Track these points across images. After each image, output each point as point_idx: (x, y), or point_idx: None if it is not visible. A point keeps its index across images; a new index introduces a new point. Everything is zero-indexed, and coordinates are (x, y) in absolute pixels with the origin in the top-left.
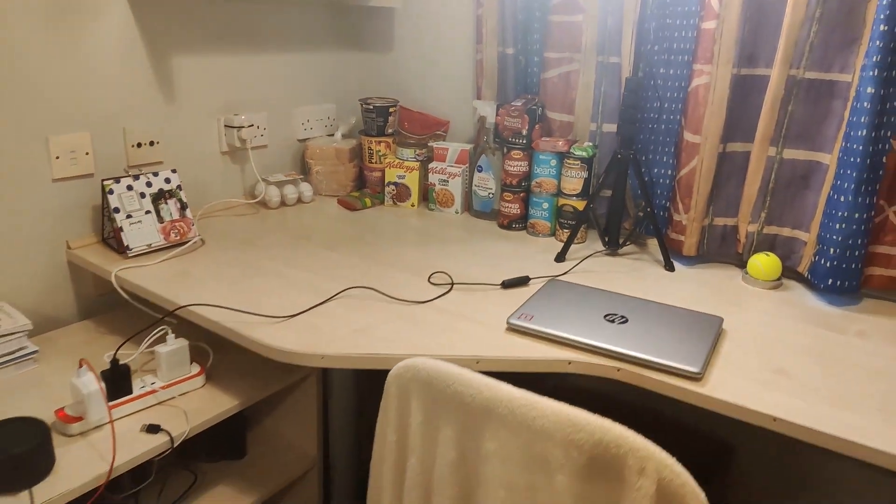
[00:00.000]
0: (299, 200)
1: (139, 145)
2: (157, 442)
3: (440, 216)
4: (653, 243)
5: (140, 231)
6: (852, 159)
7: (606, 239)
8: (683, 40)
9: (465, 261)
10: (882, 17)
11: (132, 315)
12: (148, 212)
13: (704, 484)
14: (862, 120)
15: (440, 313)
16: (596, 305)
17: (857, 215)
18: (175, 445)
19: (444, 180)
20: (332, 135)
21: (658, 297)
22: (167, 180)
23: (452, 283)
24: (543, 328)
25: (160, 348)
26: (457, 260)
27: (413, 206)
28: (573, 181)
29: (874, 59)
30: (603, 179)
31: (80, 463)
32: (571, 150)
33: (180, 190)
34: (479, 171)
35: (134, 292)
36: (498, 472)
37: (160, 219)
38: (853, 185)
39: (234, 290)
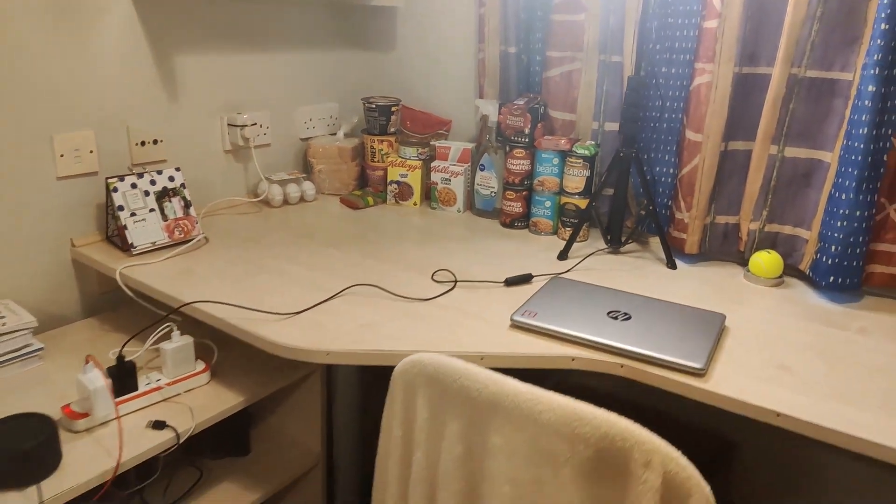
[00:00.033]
0: (302, 199)
1: (143, 144)
2: (163, 438)
3: (442, 215)
4: (655, 241)
5: (144, 229)
6: (853, 157)
7: (609, 237)
8: (685, 39)
9: (468, 259)
10: (883, 15)
11: (136, 313)
12: (152, 210)
13: (707, 480)
14: (863, 118)
15: (444, 310)
16: (599, 302)
17: (858, 213)
18: (181, 442)
19: (447, 179)
20: (335, 134)
21: (660, 295)
22: (171, 178)
23: (456, 281)
24: (547, 325)
25: (165, 345)
26: (459, 258)
27: (415, 204)
28: (575, 179)
29: (875, 57)
30: (605, 178)
31: (86, 458)
32: (574, 149)
33: (184, 188)
34: (482, 170)
35: (138, 290)
36: (504, 467)
37: (164, 217)
38: (854, 183)
39: (238, 287)
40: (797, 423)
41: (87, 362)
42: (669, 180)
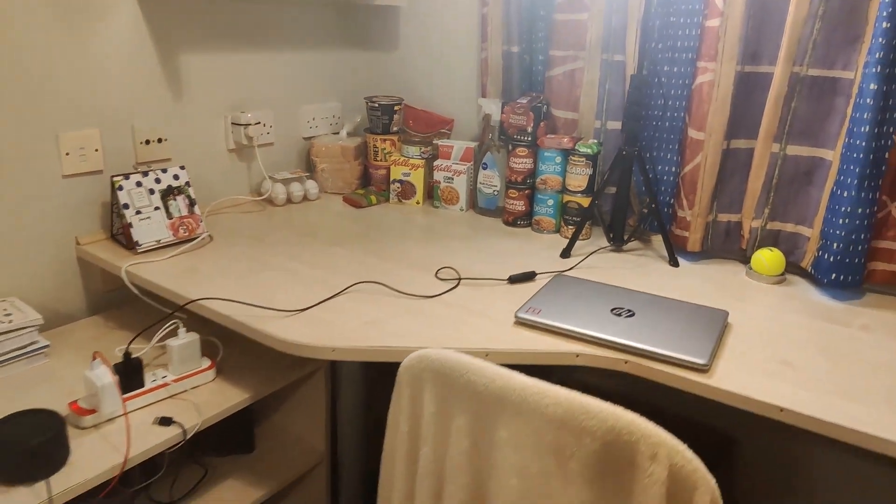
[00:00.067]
0: (305, 198)
1: (147, 142)
2: (170, 434)
3: (445, 213)
4: (657, 239)
5: (149, 227)
6: (855, 155)
7: (611, 235)
8: (687, 38)
9: (471, 257)
10: (885, 14)
11: (140, 311)
12: (157, 208)
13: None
14: (865, 116)
15: (448, 308)
16: (603, 300)
17: (860, 211)
18: (187, 438)
19: (449, 178)
20: (338, 133)
21: (663, 293)
22: (176, 177)
23: (460, 279)
24: (551, 321)
25: (172, 342)
26: (462, 256)
27: (418, 203)
28: (578, 178)
29: (877, 55)
30: (608, 176)
31: (94, 454)
32: (576, 147)
33: (189, 186)
34: (484, 169)
35: (143, 287)
36: (511, 460)
37: (169, 215)
38: (856, 181)
39: (243, 285)
40: (800, 417)
41: (94, 359)
42: (672, 178)
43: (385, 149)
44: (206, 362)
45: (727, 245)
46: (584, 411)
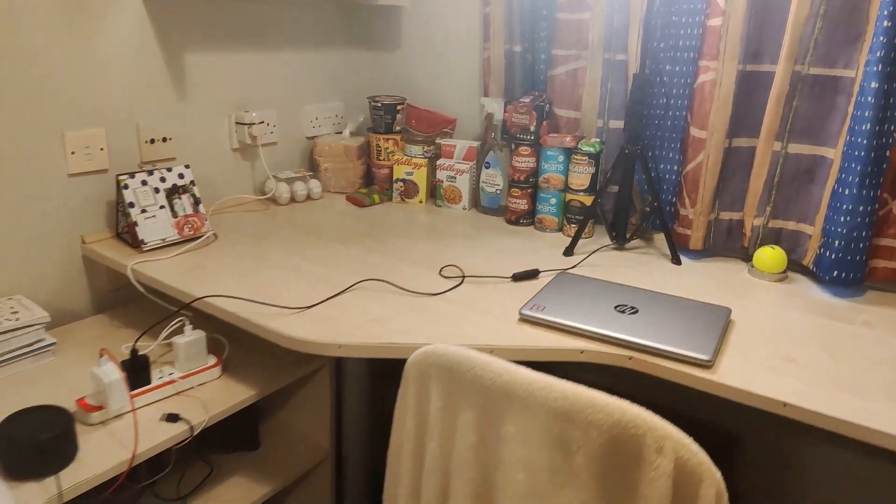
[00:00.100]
0: (308, 197)
1: (152, 141)
2: (177, 430)
3: (448, 212)
4: (659, 238)
5: (154, 225)
6: (856, 153)
7: (614, 234)
8: (689, 37)
9: (474, 255)
10: (885, 13)
11: (145, 309)
12: (162, 206)
13: None
14: (866, 114)
15: (453, 305)
16: (606, 297)
17: (861, 208)
18: (195, 434)
19: (452, 177)
20: (341, 132)
21: (666, 290)
22: (181, 176)
23: (463, 277)
24: (556, 318)
25: (178, 339)
26: (466, 254)
27: (421, 202)
28: (581, 176)
29: (878, 54)
30: (610, 175)
31: (101, 450)
32: (579, 146)
33: (193, 185)
34: (487, 168)
35: (149, 285)
36: (518, 454)
37: (174, 213)
38: (857, 179)
39: (248, 282)
40: (803, 412)
41: (101, 356)
42: (674, 177)
43: (388, 148)
44: (212, 359)
45: (729, 243)
46: (590, 405)
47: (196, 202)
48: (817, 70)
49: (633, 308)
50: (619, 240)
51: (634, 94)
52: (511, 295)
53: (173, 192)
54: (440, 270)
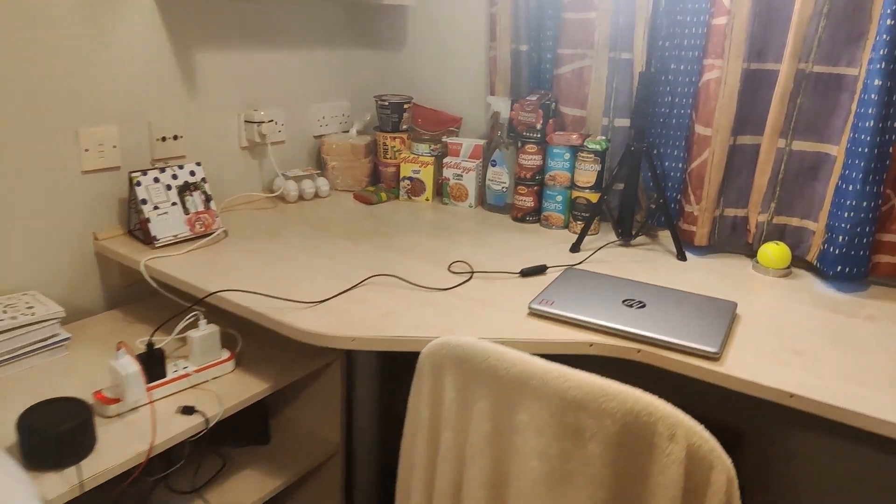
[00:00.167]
0: (316, 195)
1: (163, 139)
2: (193, 423)
3: (454, 210)
4: (664, 234)
5: (166, 222)
6: (860, 150)
7: (619, 230)
8: (694, 36)
9: (482, 252)
10: (888, 11)
11: (157, 305)
12: (174, 203)
13: None
14: (869, 112)
15: (462, 300)
16: (614, 291)
17: (864, 204)
18: (210, 426)
19: (459, 175)
20: (348, 131)
21: (672, 286)
22: (192, 173)
23: (472, 272)
24: (565, 312)
25: (193, 333)
26: (473, 251)
27: (427, 200)
28: (587, 174)
29: (881, 52)
30: (616, 172)
31: (119, 441)
32: (585, 144)
33: (205, 182)
34: (493, 166)
35: (163, 281)
36: (532, 443)
37: (186, 210)
38: (861, 175)
39: (260, 278)
40: (810, 403)
41: (118, 349)
42: (679, 174)
43: (395, 146)
44: (226, 353)
45: (734, 239)
46: (603, 394)
47: (207, 199)
48: (821, 68)
49: (640, 302)
50: (625, 236)
51: (640, 92)
52: (519, 290)
53: (185, 189)
54: (449, 266)
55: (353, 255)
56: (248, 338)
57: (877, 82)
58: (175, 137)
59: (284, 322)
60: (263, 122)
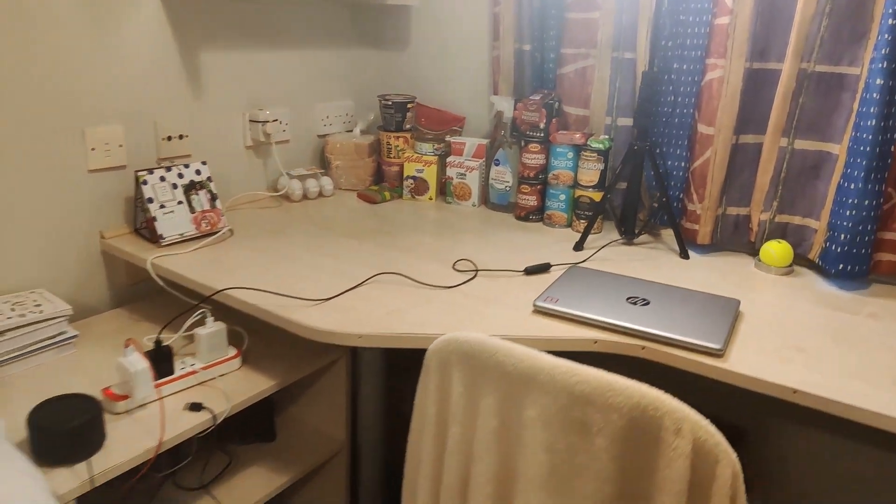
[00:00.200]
0: (320, 194)
1: (169, 138)
2: (201, 419)
3: (458, 209)
4: (667, 233)
5: (172, 221)
6: (862, 148)
7: (622, 229)
8: (697, 36)
9: (485, 250)
10: (890, 11)
11: (163, 303)
12: (180, 202)
13: None
14: (871, 111)
15: (467, 298)
16: (617, 289)
17: (866, 202)
18: (217, 423)
19: (462, 174)
20: (352, 130)
21: (675, 284)
22: (198, 172)
23: (477, 270)
24: (569, 310)
25: (200, 330)
26: (477, 250)
27: (431, 199)
28: (590, 173)
29: (883, 51)
30: (619, 171)
31: (128, 437)
32: (588, 143)
33: (210, 181)
34: (496, 165)
35: (169, 279)
36: (539, 438)
37: (191, 209)
38: (863, 174)
39: (266, 276)
40: (813, 398)
41: (127, 346)
42: (682, 173)
43: (398, 146)
44: (233, 351)
45: (736, 238)
46: (610, 389)
47: (213, 198)
48: (823, 67)
49: (644, 300)
50: (628, 235)
51: (643, 91)
52: (524, 288)
53: (191, 188)
54: (453, 264)
55: (358, 253)
56: (254, 335)
57: (878, 81)
58: (180, 137)
59: (291, 319)
60: (268, 121)
